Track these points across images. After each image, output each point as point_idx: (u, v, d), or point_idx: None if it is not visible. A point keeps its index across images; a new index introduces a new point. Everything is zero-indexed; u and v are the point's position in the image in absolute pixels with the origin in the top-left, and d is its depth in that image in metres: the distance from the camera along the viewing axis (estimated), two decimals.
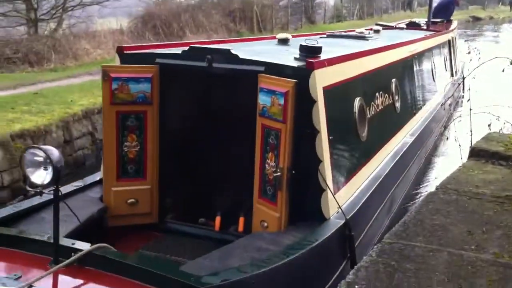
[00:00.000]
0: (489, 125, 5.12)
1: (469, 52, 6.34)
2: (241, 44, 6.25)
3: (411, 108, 7.60)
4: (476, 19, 57.02)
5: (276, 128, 4.10)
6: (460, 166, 4.06)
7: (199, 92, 5.12)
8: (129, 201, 4.72)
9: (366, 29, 8.98)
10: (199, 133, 5.14)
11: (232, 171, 5.00)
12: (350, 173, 4.84)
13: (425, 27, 12.69)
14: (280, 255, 3.69)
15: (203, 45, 4.84)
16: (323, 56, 4.55)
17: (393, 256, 2.64)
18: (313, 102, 4.13)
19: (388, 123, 6.22)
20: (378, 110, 5.68)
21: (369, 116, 5.33)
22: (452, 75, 12.33)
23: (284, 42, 5.99)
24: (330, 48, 5.43)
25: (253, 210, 4.41)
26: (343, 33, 8.14)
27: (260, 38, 8.12)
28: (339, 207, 4.28)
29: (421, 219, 3.10)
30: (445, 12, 15.35)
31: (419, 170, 8.16)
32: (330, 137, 4.32)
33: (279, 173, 4.04)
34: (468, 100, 5.59)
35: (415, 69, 7.92)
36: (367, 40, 7.25)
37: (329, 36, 7.87)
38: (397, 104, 6.53)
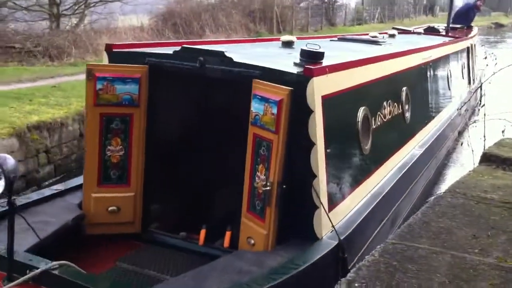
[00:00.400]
0: (503, 131, 5.09)
1: (485, 58, 6.30)
2: (242, 46, 5.95)
3: (422, 118, 7.21)
4: (499, 25, 56.42)
5: (268, 138, 3.81)
6: (470, 171, 4.05)
7: (190, 96, 4.88)
8: (110, 208, 4.45)
9: (380, 33, 8.68)
10: (189, 139, 4.91)
11: (223, 181, 4.74)
12: (348, 189, 4.54)
13: (443, 33, 12.23)
14: (262, 279, 3.39)
15: (195, 46, 4.51)
16: (326, 61, 4.29)
17: (395, 257, 2.64)
18: (310, 112, 3.84)
19: (396, 134, 5.88)
20: (385, 120, 5.37)
21: (374, 127, 5.05)
22: (469, 83, 11.87)
23: (288, 45, 5.65)
24: (337, 53, 5.26)
25: (241, 225, 4.12)
26: (355, 37, 7.78)
27: (264, 39, 7.92)
28: (333, 226, 3.93)
29: (427, 221, 3.10)
30: (466, 18, 14.90)
31: (428, 183, 7.64)
32: (328, 150, 4.05)
33: (268, 188, 3.74)
34: (483, 105, 5.56)
35: (429, 76, 7.55)
36: (380, 45, 6.98)
37: (340, 39, 7.56)
38: (407, 114, 6.19)
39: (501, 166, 4.07)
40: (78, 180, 4.76)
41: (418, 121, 6.82)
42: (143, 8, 23.21)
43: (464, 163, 8.19)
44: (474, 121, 7.05)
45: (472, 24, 15.09)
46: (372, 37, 7.48)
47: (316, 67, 3.97)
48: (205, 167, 4.88)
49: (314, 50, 4.21)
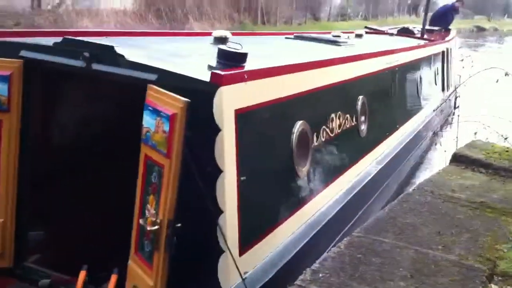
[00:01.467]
0: (475, 133, 5.18)
1: (462, 60, 6.31)
2: (158, 40, 4.92)
3: (383, 130, 6.18)
4: (481, 29, 57.08)
5: (159, 163, 2.94)
6: (439, 170, 4.13)
7: (75, 102, 4.02)
8: None
9: (345, 32, 7.92)
10: (73, 155, 4.07)
11: (112, 209, 3.84)
12: (270, 225, 3.57)
13: (419, 35, 11.52)
14: None
15: (81, 38, 3.52)
16: (253, 65, 3.41)
17: (360, 249, 2.70)
18: (217, 130, 2.96)
19: (347, 151, 4.91)
20: (332, 135, 4.48)
21: (316, 144, 4.17)
22: (444, 89, 10.84)
23: (220, 41, 4.51)
24: (280, 55, 4.61)
25: (128, 269, 3.31)
26: (313, 36, 6.75)
27: (194, 33, 6.88)
28: (241, 276, 3.04)
29: (393, 217, 3.17)
30: (444, 20, 14.36)
31: (387, 204, 5.22)
32: (242, 178, 3.19)
33: (156, 227, 2.91)
34: (457, 107, 5.63)
35: (394, 83, 6.66)
36: (340, 45, 6.05)
37: (296, 37, 6.61)
38: (363, 127, 5.28)
39: (470, 167, 4.17)
40: None
41: (377, 134, 5.87)
42: None
43: (433, 166, 7.81)
44: (449, 124, 6.95)
45: (451, 26, 14.84)
46: (334, 36, 6.67)
47: (228, 72, 3.06)
48: (91, 191, 3.98)
49: (234, 50, 3.38)
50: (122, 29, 19.62)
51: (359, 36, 7.99)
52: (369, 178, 5.19)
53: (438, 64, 10.24)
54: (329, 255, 2.63)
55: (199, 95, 2.89)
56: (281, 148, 3.70)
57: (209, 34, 4.99)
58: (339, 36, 6.60)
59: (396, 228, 3.00)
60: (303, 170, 3.89)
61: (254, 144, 3.36)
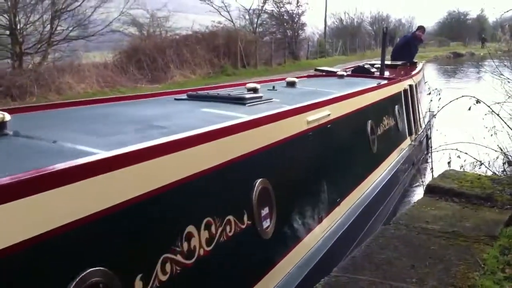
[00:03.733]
0: (448, 163, 5.32)
1: (429, 93, 6.40)
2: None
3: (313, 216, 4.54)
4: (457, 55, 58.31)
5: None
6: (414, 202, 4.25)
7: None
8: None
9: (267, 83, 6.91)
10: None
11: None
12: None
13: (378, 73, 9.86)
14: None
15: None
16: None
17: None
18: None
19: None
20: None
21: None
22: (411, 133, 8.99)
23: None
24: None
25: None
26: (212, 93, 5.18)
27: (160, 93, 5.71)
28: None
29: (370, 253, 3.26)
30: (408, 53, 12.74)
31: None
32: None
33: None
34: (429, 138, 5.76)
35: (327, 148, 5.05)
36: (244, 105, 4.52)
37: (190, 97, 5.00)
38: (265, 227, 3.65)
39: (444, 197, 4.29)
40: None
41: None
42: (107, 45, 23.38)
43: None
44: (421, 174, 6.76)
45: (419, 58, 13.64)
46: (249, 90, 5.19)
47: None
48: None
49: None
50: (104, 82, 19.88)
51: (291, 84, 6.61)
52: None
53: (400, 106, 8.55)
54: None
55: None
56: None
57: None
58: (253, 90, 5.16)
59: (372, 265, 3.09)
60: None
61: None
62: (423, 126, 10.15)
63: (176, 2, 31.02)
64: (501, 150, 5.66)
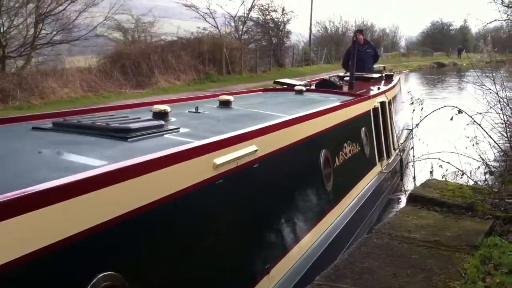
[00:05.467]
0: (431, 172, 5.34)
1: (412, 103, 6.38)
2: None
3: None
4: (441, 65, 59.08)
5: None
6: (396, 212, 4.27)
7: None
8: None
9: (209, 98, 6.01)
10: None
11: None
12: None
13: (345, 87, 8.45)
14: None
15: None
16: None
17: None
18: None
19: None
20: None
21: None
22: (381, 159, 7.63)
23: None
24: None
25: None
26: (86, 123, 3.61)
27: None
28: None
29: (352, 262, 3.27)
30: (365, 63, 11.09)
31: None
32: None
33: None
34: (412, 148, 5.78)
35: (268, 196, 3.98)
36: (126, 140, 3.29)
37: (55, 125, 3.65)
38: None
39: (426, 206, 4.32)
40: None
41: None
42: (92, 49, 23.26)
43: None
44: (408, 163, 6.55)
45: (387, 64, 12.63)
46: (156, 114, 4.09)
47: None
48: None
49: None
50: (87, 87, 19.75)
51: (224, 104, 5.32)
52: None
53: (368, 127, 7.11)
54: None
55: None
56: None
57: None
58: (160, 115, 4.04)
59: (354, 273, 3.10)
60: None
61: None
62: (399, 146, 8.90)
63: (161, 8, 30.99)
64: (483, 160, 5.71)
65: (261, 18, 37.23)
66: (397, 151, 8.76)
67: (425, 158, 5.53)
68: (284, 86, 8.41)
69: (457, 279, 3.03)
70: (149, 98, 19.31)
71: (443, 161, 5.42)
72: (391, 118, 8.83)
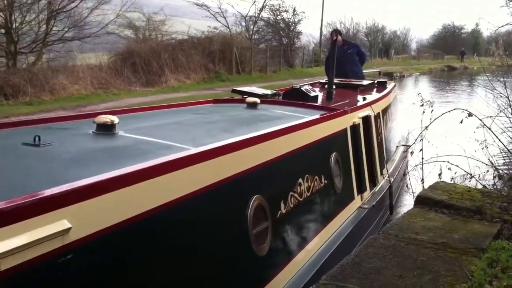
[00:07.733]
0: (439, 174, 5.33)
1: (422, 105, 6.33)
2: None
3: None
4: (451, 68, 58.79)
5: None
6: (404, 213, 4.26)
7: None
8: None
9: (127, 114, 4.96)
10: None
11: None
12: None
13: (320, 98, 7.09)
14: None
15: None
16: None
17: None
18: None
19: None
20: None
21: None
22: (362, 190, 6.03)
23: None
24: None
25: None
26: None
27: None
28: None
29: (358, 262, 3.27)
30: (351, 66, 9.96)
31: None
32: None
33: None
34: (421, 150, 5.76)
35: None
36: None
37: None
38: None
39: (434, 208, 4.30)
40: None
41: None
42: (103, 47, 23.36)
43: None
44: (415, 166, 6.42)
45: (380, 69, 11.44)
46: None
47: None
48: None
49: None
50: (98, 84, 19.83)
51: (103, 129, 3.67)
52: None
53: (342, 152, 5.55)
54: None
55: None
56: None
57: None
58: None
59: (360, 274, 3.10)
60: None
61: None
62: (390, 169, 7.49)
63: (172, 7, 31.11)
64: (492, 164, 5.68)
65: (272, 18, 37.25)
66: (386, 177, 7.17)
67: (434, 161, 5.52)
68: (245, 96, 6.50)
69: (464, 282, 3.02)
70: (158, 96, 19.40)
71: (452, 164, 5.41)
72: (379, 136, 7.17)
